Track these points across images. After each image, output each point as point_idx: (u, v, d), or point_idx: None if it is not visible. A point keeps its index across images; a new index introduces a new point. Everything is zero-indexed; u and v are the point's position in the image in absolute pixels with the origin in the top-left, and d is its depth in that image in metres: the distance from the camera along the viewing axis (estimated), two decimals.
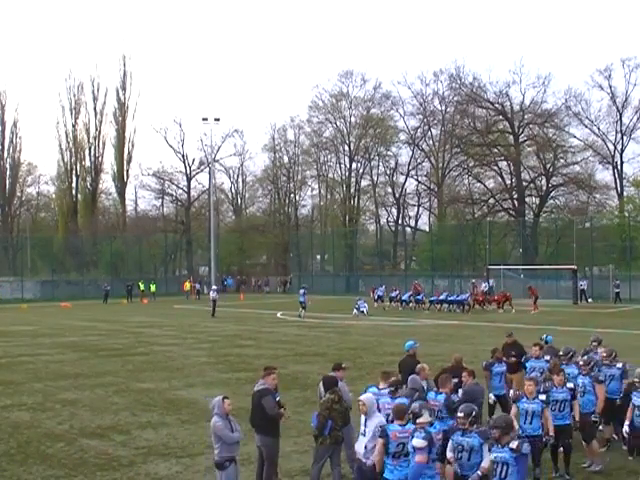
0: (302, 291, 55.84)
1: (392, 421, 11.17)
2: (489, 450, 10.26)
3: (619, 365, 15.77)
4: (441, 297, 60.14)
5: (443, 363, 17.36)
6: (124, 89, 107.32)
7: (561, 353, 16.39)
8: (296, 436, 16.71)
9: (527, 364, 17.50)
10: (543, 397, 13.28)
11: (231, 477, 11.88)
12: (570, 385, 14.05)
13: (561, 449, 13.91)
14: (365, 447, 11.47)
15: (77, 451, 16.29)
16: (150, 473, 14.62)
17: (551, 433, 13.11)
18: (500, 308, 57.44)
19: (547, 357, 17.08)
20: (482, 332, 40.28)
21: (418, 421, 10.51)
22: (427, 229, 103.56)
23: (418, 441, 10.19)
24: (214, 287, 62.82)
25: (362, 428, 11.75)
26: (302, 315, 52.36)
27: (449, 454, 10.89)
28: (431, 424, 10.67)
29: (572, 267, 66.92)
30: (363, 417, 11.78)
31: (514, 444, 9.92)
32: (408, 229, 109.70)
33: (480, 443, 10.49)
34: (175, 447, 16.50)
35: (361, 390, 13.72)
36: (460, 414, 10.83)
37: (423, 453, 10.15)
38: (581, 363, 15.34)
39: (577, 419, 13.95)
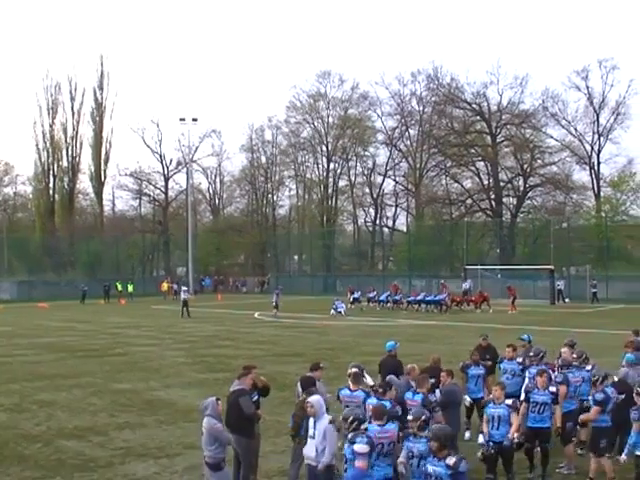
0: (276, 291, 57.08)
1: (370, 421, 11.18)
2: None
3: (588, 367, 15.75)
4: (418, 297, 60.34)
5: (421, 363, 17.41)
6: (101, 89, 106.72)
7: (531, 354, 16.37)
8: (274, 436, 16.71)
9: (501, 366, 17.50)
10: (509, 402, 13.24)
11: (227, 477, 11.86)
12: (552, 389, 13.99)
13: (538, 450, 13.96)
14: (316, 450, 11.36)
15: (54, 452, 16.26)
16: (128, 474, 14.60)
17: (510, 436, 12.98)
18: (478, 308, 57.67)
19: (519, 359, 17.06)
20: (460, 332, 40.36)
21: (362, 427, 10.43)
22: (405, 229, 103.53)
23: (361, 446, 10.06)
24: (184, 288, 62.63)
25: (311, 431, 11.61)
26: (275, 315, 52.61)
27: (401, 459, 10.68)
28: (366, 429, 10.60)
29: (549, 267, 67.15)
30: (312, 420, 11.64)
31: (451, 460, 9.52)
32: (386, 229, 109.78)
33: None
34: (153, 448, 16.48)
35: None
36: (409, 417, 10.67)
37: (364, 459, 10.04)
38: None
39: (558, 424, 13.92)
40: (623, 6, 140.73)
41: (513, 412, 13.14)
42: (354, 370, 14.27)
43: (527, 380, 15.55)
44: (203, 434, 11.73)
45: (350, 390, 13.45)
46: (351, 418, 10.58)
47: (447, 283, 67.27)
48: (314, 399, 11.78)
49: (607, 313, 54.99)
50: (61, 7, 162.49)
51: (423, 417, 10.50)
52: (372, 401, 12.82)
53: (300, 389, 13.46)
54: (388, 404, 12.18)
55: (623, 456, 12.48)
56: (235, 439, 12.86)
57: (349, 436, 10.41)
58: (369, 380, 15.11)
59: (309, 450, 11.54)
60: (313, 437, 11.49)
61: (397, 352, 17.65)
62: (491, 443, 12.91)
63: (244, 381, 13.29)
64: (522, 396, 14.57)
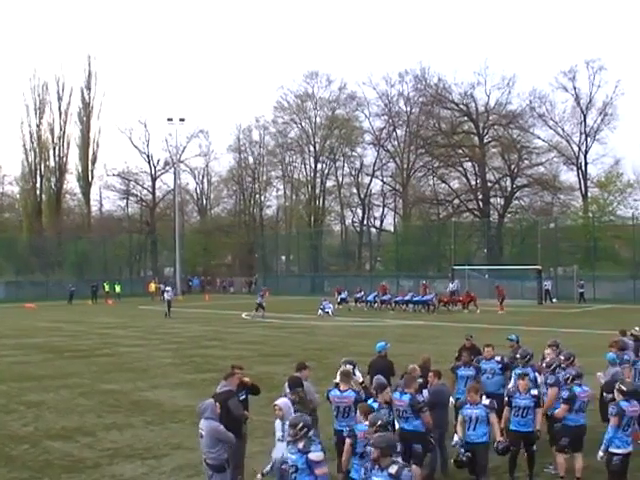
0: (260, 292, 58.09)
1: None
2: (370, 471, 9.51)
3: (572, 370, 15.72)
4: (406, 297, 60.44)
5: (410, 363, 17.28)
6: (89, 89, 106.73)
7: (518, 356, 16.33)
8: (262, 437, 16.65)
9: (480, 365, 17.42)
10: (487, 402, 13.12)
11: (228, 478, 11.81)
12: (534, 392, 13.91)
13: (524, 454, 13.96)
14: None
15: (42, 453, 16.23)
16: (116, 475, 14.57)
17: (498, 438, 13.02)
18: (465, 309, 57.75)
19: (498, 358, 16.96)
20: (447, 332, 40.40)
21: (311, 434, 10.14)
22: (392, 230, 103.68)
23: (317, 454, 9.76)
24: (168, 288, 62.53)
25: (279, 433, 11.57)
26: (257, 315, 52.93)
27: (366, 464, 10.25)
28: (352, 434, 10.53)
29: (537, 267, 67.38)
30: (279, 422, 11.60)
31: (393, 469, 9.09)
32: (373, 230, 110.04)
33: None
34: (140, 448, 16.46)
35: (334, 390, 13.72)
36: (366, 423, 10.55)
37: (324, 465, 9.82)
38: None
39: (537, 428, 13.79)
40: (610, 7, 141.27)
41: (491, 412, 13.02)
42: (343, 368, 14.23)
43: (513, 380, 15.46)
44: (203, 437, 11.54)
45: (340, 390, 13.38)
46: (300, 425, 10.06)
47: (431, 284, 67.43)
48: (281, 402, 11.76)
49: (594, 313, 55.14)
50: (48, 7, 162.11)
51: (379, 422, 10.29)
52: (371, 403, 12.81)
53: (288, 389, 13.43)
54: (376, 406, 12.16)
55: (600, 453, 12.42)
56: None
57: (300, 445, 9.92)
58: (359, 376, 15.08)
59: (278, 453, 11.44)
60: (282, 440, 11.39)
61: (387, 353, 17.62)
62: (462, 450, 12.86)
63: (231, 381, 13.26)
64: (506, 399, 14.51)
